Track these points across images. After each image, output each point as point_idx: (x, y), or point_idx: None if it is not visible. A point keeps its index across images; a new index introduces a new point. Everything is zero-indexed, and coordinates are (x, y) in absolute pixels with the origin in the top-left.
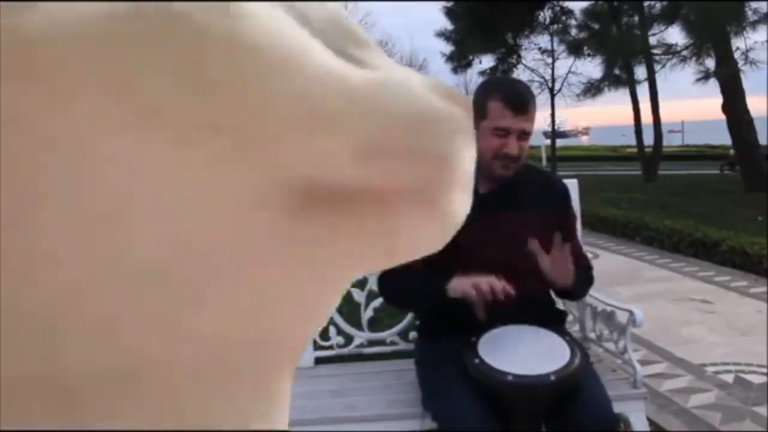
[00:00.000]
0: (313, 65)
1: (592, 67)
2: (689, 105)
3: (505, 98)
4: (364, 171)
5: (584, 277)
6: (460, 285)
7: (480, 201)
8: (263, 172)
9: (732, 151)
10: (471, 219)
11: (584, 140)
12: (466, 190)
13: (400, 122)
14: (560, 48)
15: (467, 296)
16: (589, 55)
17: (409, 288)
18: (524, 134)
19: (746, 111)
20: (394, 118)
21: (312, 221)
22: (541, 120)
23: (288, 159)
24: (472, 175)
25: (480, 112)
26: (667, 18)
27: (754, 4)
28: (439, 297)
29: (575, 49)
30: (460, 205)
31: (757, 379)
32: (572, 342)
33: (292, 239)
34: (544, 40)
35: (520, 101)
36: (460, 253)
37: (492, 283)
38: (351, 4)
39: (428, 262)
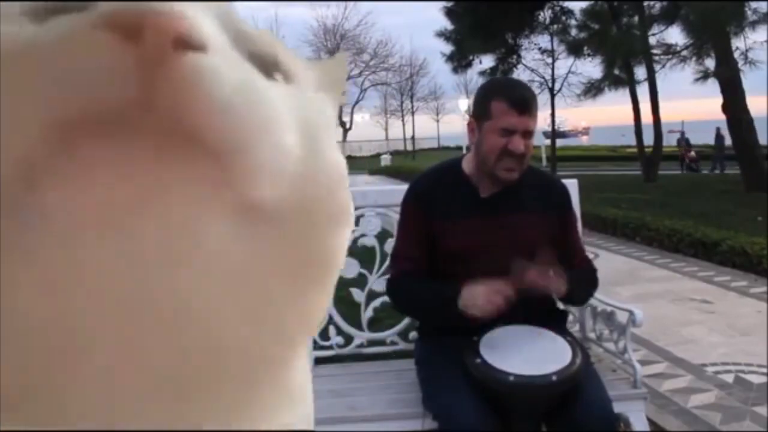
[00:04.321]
0: None
1: (592, 67)
2: (689, 105)
3: (508, 98)
4: None
5: (585, 280)
6: (472, 301)
7: (481, 205)
8: None
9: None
10: (473, 223)
11: (584, 140)
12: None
13: None
14: (560, 48)
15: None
16: (589, 55)
17: (419, 298)
18: (528, 133)
19: (746, 111)
20: None
21: None
22: (541, 120)
23: None
24: None
25: (483, 113)
26: (667, 18)
27: (754, 4)
28: (450, 309)
29: (575, 49)
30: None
31: (757, 379)
32: (573, 342)
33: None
34: (544, 40)
35: (524, 100)
36: (463, 256)
37: (504, 295)
38: (351, 4)
39: (433, 266)
